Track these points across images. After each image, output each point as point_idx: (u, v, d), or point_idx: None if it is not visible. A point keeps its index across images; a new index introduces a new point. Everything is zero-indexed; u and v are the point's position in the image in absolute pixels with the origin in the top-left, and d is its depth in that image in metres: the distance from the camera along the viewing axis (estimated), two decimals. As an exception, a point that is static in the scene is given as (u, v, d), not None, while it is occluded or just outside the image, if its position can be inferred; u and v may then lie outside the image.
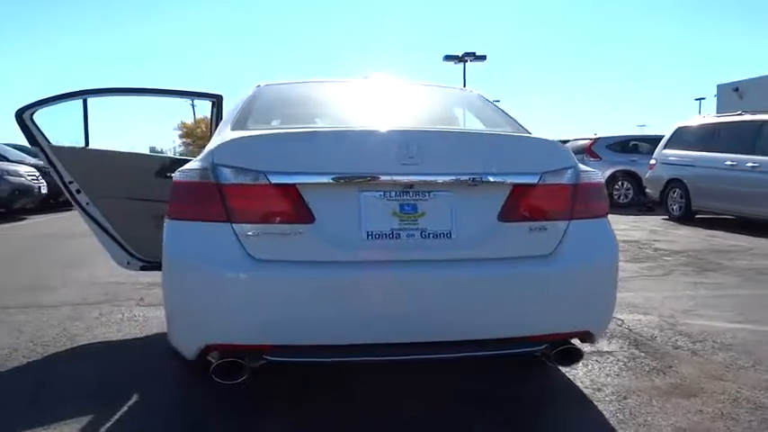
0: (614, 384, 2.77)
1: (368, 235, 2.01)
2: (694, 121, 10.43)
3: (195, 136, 53.93)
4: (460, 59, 26.25)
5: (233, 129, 2.45)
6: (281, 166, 2.00)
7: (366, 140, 2.09)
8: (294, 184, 1.99)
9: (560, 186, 2.14)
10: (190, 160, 4.19)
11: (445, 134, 2.20)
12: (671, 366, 3.03)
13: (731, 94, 25.22)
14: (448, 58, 26.43)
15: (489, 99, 3.18)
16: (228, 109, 2.87)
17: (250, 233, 1.97)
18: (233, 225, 1.98)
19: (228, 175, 2.01)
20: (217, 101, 3.83)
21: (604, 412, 2.48)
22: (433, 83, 3.56)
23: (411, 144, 2.02)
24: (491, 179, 2.06)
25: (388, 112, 2.83)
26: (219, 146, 2.09)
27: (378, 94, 3.14)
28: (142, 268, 3.91)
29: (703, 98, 44.22)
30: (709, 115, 10.59)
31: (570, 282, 2.10)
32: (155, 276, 5.13)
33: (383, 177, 2.00)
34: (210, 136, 3.94)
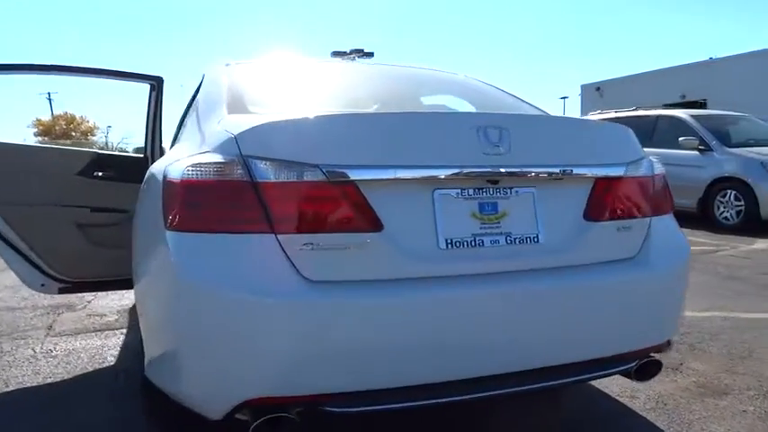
0: (642, 389, 2.60)
1: (447, 243, 1.61)
2: (592, 116, 10.98)
3: (54, 134, 48.85)
4: (348, 56, 26.06)
5: (231, 113, 1.91)
6: (336, 158, 1.54)
7: (438, 125, 1.68)
8: (354, 182, 1.54)
9: (643, 179, 1.88)
10: (127, 156, 3.49)
11: (530, 119, 1.85)
12: (681, 363, 2.93)
13: (594, 93, 27.41)
14: (336, 54, 26.04)
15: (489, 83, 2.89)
16: (204, 93, 2.29)
17: (301, 247, 1.49)
18: (278, 237, 1.49)
19: (267, 171, 1.51)
20: (156, 84, 3.17)
21: (657, 423, 2.29)
22: (418, 65, 3.19)
23: (493, 130, 1.65)
24: (580, 172, 1.76)
25: (406, 97, 2.43)
26: (247, 132, 1.58)
27: (380, 77, 2.74)
28: (61, 291, 3.16)
29: (566, 97, 47.82)
30: (605, 111, 11.18)
31: (660, 286, 1.85)
32: (59, 298, 4.30)
33: (466, 170, 1.62)
34: (150, 125, 3.30)
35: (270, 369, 1.48)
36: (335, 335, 1.49)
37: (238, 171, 1.52)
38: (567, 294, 1.69)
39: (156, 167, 2.08)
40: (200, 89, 2.40)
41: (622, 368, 1.81)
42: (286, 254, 1.49)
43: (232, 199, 1.52)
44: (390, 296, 1.52)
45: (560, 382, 1.72)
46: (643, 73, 27.31)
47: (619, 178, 1.81)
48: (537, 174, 1.69)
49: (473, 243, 1.63)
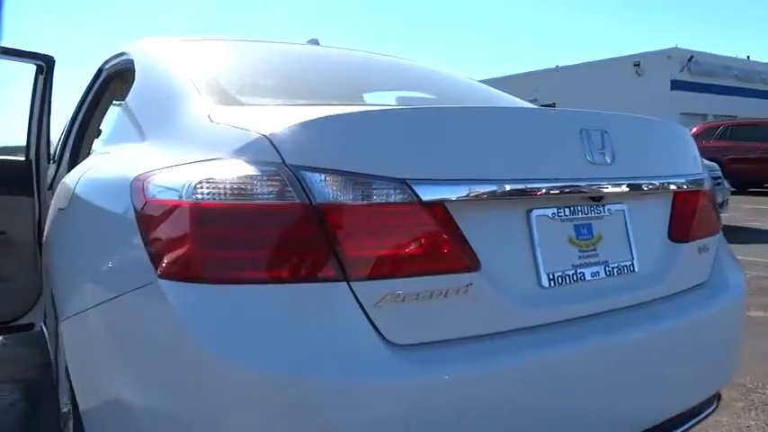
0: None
1: (550, 279, 1.24)
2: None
3: None
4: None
5: (219, 104, 1.37)
6: (422, 170, 1.10)
7: (538, 125, 1.30)
8: (442, 202, 1.11)
9: (710, 191, 1.67)
10: (3, 160, 2.65)
11: (628, 120, 1.51)
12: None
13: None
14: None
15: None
16: (146, 78, 1.69)
17: (384, 298, 1.04)
18: (352, 285, 1.02)
19: (331, 188, 1.03)
20: (45, 66, 2.42)
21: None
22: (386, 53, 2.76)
23: (596, 133, 1.31)
24: (672, 182, 1.48)
25: (400, 88, 2.02)
26: (291, 130, 1.06)
27: (362, 65, 2.27)
28: None
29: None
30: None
31: (737, 312, 1.64)
32: None
33: (573, 184, 1.26)
34: (35, 119, 2.54)
35: None
36: (444, 421, 1.05)
37: (284, 189, 1.02)
38: (678, 335, 1.41)
39: (93, 179, 1.49)
40: (135, 72, 1.79)
41: (710, 411, 1.58)
42: (365, 311, 1.02)
43: (281, 231, 1.02)
44: (509, 357, 1.12)
45: None
46: (501, 77, 29.24)
47: (696, 191, 1.57)
48: (641, 187, 1.39)
49: (574, 277, 1.28)
